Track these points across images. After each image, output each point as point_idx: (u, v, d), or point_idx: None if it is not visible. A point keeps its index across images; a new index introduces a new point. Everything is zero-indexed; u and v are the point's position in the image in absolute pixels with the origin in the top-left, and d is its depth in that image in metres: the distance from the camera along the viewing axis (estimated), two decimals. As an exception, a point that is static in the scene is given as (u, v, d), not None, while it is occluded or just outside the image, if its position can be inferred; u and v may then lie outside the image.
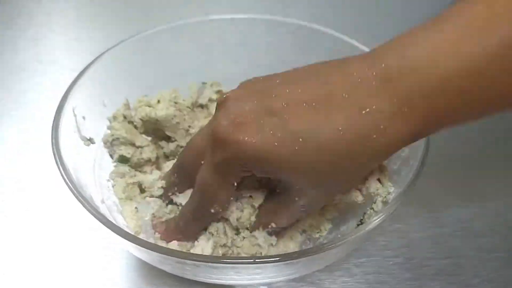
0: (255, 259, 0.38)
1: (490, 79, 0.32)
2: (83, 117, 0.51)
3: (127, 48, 0.55)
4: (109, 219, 0.42)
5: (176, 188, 0.46)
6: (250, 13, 0.60)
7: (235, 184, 0.40)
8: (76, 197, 0.41)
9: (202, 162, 0.40)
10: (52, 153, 0.44)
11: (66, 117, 0.48)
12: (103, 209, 0.46)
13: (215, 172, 0.38)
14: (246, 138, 0.35)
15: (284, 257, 0.38)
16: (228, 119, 0.36)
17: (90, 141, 0.52)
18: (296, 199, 0.39)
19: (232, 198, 0.42)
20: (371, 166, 0.40)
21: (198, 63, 0.60)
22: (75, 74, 0.51)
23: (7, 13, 0.90)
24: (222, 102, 0.38)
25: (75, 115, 0.50)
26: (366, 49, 0.53)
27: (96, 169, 0.51)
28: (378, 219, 0.40)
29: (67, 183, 0.42)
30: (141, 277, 0.51)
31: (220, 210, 0.41)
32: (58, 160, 0.43)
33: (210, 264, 0.38)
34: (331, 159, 0.35)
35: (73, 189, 0.41)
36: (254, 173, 0.38)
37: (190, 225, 0.43)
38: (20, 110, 0.71)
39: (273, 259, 0.37)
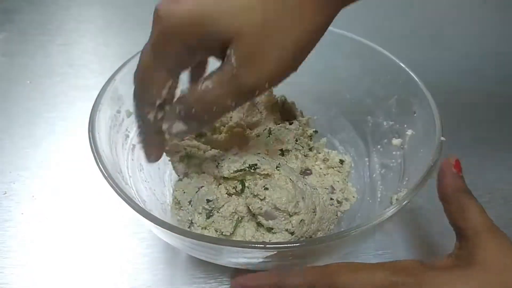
0: (266, 244, 0.40)
1: None
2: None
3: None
4: (135, 200, 0.44)
5: None
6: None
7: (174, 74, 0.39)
8: (103, 174, 0.43)
9: None
10: (89, 145, 0.46)
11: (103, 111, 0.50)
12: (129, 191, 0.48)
13: (152, 51, 0.38)
14: (180, 6, 0.35)
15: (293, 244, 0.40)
16: None
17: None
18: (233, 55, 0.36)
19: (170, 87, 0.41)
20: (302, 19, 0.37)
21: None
22: (105, 77, 0.53)
23: (38, 20, 0.94)
24: None
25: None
26: (386, 53, 0.56)
27: (129, 154, 0.54)
28: (389, 213, 0.41)
29: (98, 164, 0.44)
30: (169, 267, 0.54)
31: (158, 96, 0.40)
32: (92, 141, 0.46)
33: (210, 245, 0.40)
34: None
35: (103, 169, 0.44)
36: (189, 45, 0.37)
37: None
38: (52, 112, 0.74)
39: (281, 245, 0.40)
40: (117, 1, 1.00)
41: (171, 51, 0.37)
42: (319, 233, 0.48)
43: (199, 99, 0.38)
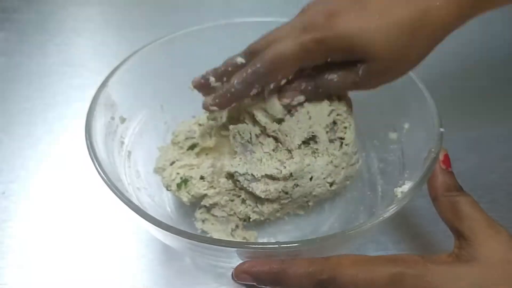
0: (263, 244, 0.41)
1: None
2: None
3: (157, 49, 0.58)
4: (135, 202, 0.43)
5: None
6: (271, 17, 0.61)
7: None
8: (102, 177, 0.43)
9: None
10: (86, 147, 0.45)
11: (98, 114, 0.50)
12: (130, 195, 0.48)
13: (300, 49, 0.43)
14: (338, 22, 0.42)
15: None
16: (322, 10, 0.43)
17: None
18: (361, 68, 0.44)
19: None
20: (430, 42, 0.44)
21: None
22: (103, 77, 0.53)
23: (36, 19, 0.93)
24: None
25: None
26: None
27: (126, 161, 0.53)
28: (390, 212, 0.41)
29: (92, 159, 0.44)
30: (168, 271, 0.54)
31: (277, 80, 0.47)
32: (89, 143, 0.46)
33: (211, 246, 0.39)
34: (401, 29, 0.42)
35: (98, 167, 0.43)
36: (332, 56, 0.44)
37: (244, 87, 0.46)
38: (50, 111, 0.74)
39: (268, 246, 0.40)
40: (116, 1, 1.00)
41: (315, 54, 0.44)
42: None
43: (325, 83, 0.47)
